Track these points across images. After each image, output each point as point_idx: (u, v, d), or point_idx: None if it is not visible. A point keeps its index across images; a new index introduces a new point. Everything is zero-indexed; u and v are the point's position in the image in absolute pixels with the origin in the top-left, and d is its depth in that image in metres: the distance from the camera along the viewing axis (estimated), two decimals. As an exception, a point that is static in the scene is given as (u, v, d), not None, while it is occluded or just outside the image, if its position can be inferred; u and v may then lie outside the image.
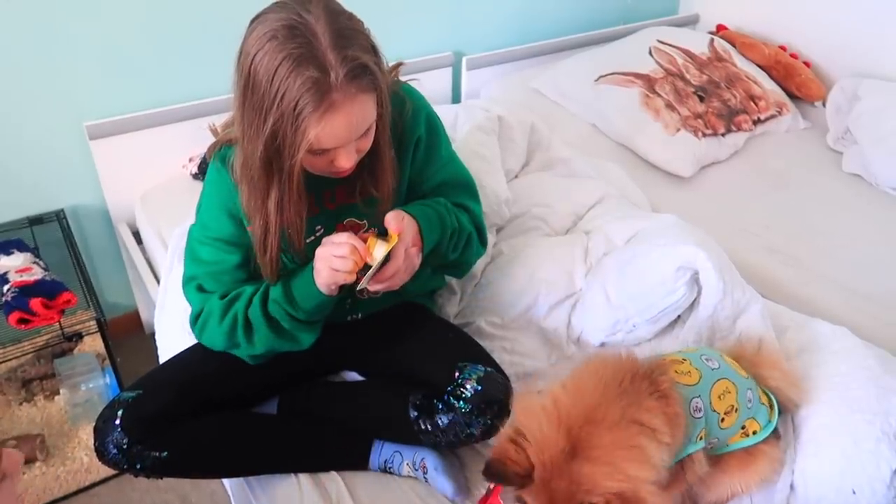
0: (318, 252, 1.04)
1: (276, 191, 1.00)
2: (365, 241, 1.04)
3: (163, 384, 1.15)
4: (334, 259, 1.02)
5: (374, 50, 0.99)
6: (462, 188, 1.27)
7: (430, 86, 2.28)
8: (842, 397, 1.17)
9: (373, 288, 1.07)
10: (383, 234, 1.06)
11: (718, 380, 1.09)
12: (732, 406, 1.08)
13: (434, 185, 1.23)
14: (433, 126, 1.20)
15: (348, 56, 0.92)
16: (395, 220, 1.05)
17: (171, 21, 1.78)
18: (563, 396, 0.97)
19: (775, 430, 1.14)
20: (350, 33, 0.94)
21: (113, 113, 1.79)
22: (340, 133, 0.96)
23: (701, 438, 1.04)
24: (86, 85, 1.75)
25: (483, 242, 1.31)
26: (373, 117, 1.00)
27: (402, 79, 1.18)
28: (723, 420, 1.07)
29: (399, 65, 1.15)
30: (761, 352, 1.23)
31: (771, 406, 1.15)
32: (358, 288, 1.06)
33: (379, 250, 1.03)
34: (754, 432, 1.10)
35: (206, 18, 1.82)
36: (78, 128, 1.77)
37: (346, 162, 1.01)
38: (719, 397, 1.07)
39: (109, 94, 1.79)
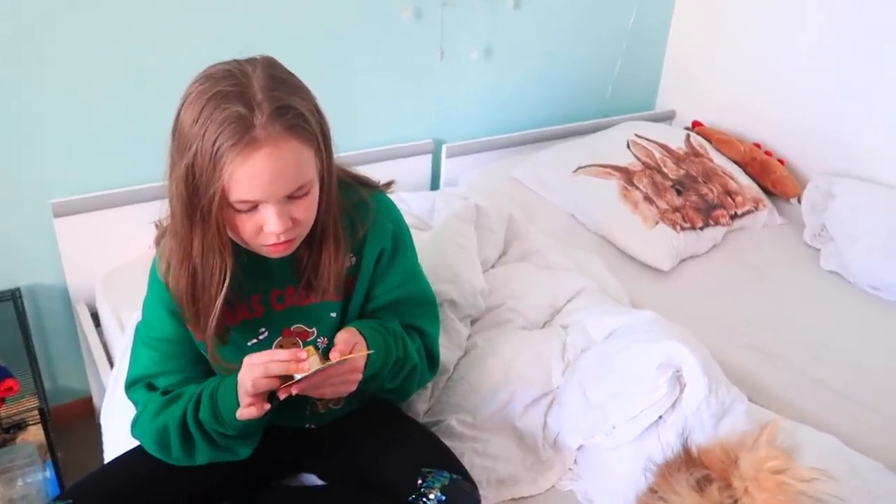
0: (248, 360, 0.94)
1: (198, 237, 0.92)
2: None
3: (95, 494, 1.03)
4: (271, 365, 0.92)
5: (318, 111, 0.94)
6: (422, 307, 1.21)
7: (410, 172, 2.29)
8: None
9: (288, 392, 0.96)
10: (326, 351, 0.98)
11: None
12: None
13: (392, 299, 1.15)
14: (399, 239, 1.14)
15: (279, 97, 0.88)
16: (347, 345, 0.98)
17: (142, 102, 1.76)
18: None
19: None
20: (290, 86, 0.91)
21: (79, 191, 1.75)
22: (264, 178, 0.87)
23: None
24: (52, 163, 1.71)
25: (433, 367, 1.25)
26: (309, 175, 0.92)
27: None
28: None
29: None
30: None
31: None
32: (278, 396, 0.96)
33: (314, 360, 0.94)
34: None
35: (176, 100, 1.83)
36: (42, 205, 1.71)
37: (276, 224, 0.90)
38: None
39: (76, 172, 1.74)
